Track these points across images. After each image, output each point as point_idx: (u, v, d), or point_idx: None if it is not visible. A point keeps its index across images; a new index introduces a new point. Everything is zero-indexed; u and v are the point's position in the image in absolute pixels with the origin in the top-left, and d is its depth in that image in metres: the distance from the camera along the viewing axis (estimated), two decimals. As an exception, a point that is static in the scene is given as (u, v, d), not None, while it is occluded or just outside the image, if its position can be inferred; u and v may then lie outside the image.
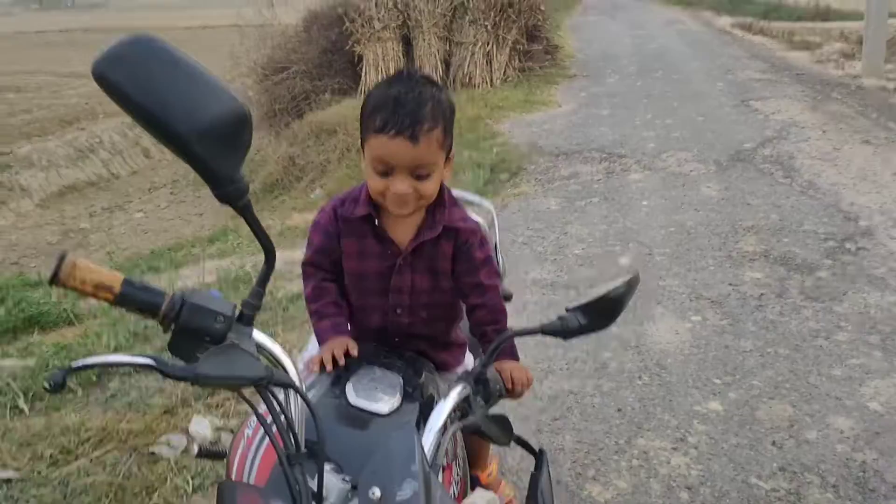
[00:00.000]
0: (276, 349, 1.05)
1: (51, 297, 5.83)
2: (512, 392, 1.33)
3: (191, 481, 2.53)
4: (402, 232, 1.41)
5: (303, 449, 1.01)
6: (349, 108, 9.33)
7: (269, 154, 8.98)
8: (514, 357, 1.40)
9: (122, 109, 0.83)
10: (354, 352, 1.33)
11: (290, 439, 1.00)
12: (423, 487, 0.90)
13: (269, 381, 0.93)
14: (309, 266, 1.49)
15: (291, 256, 5.38)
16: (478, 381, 1.20)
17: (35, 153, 12.07)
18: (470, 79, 10.89)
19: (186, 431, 2.81)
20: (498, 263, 2.17)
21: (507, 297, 2.33)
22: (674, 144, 7.10)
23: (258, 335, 1.01)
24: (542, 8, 12.12)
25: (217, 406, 3.00)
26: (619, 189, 5.84)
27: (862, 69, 10.68)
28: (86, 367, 0.92)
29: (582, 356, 3.36)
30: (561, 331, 1.20)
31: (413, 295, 1.45)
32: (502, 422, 1.18)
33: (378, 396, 1.23)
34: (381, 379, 1.27)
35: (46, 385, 0.86)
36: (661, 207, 5.32)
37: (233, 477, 1.18)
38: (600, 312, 1.21)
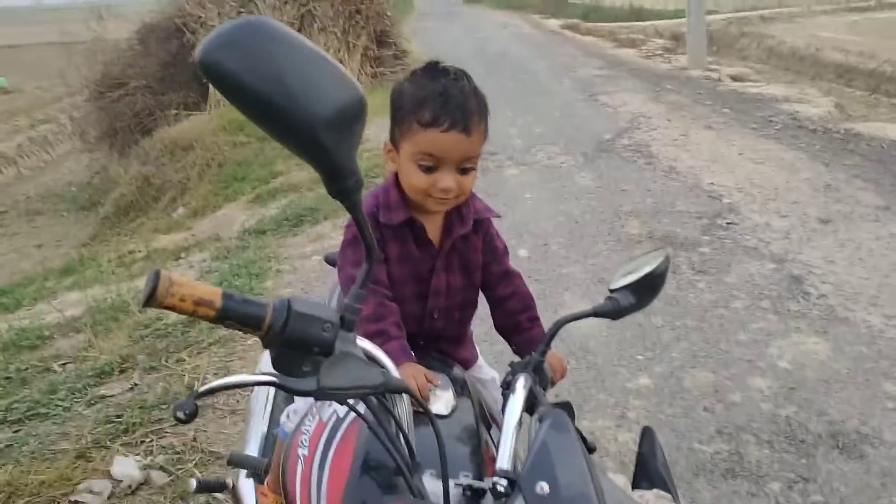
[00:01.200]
0: (380, 354, 0.98)
1: None
2: (553, 381, 1.31)
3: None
4: (434, 230, 1.37)
5: (416, 458, 0.93)
6: (203, 123, 8.94)
7: (119, 174, 8.37)
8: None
9: (231, 102, 0.73)
10: (436, 382, 1.22)
11: (404, 448, 0.92)
12: (591, 478, 0.85)
13: (387, 387, 0.87)
14: (374, 282, 1.34)
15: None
16: (536, 370, 1.16)
17: None
18: (324, 87, 10.73)
19: (109, 475, 2.54)
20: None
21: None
22: (539, 139, 7.35)
23: (360, 340, 0.92)
24: (389, 14, 12.19)
25: (136, 443, 2.74)
26: (499, 184, 5.97)
27: (687, 62, 11.62)
28: (213, 391, 0.83)
29: (507, 349, 3.37)
30: (613, 311, 1.19)
31: (449, 296, 1.40)
32: (569, 409, 1.15)
33: (434, 397, 1.18)
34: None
35: (181, 415, 0.74)
36: (544, 199, 5.49)
37: (297, 503, 1.07)
38: (647, 289, 1.21)
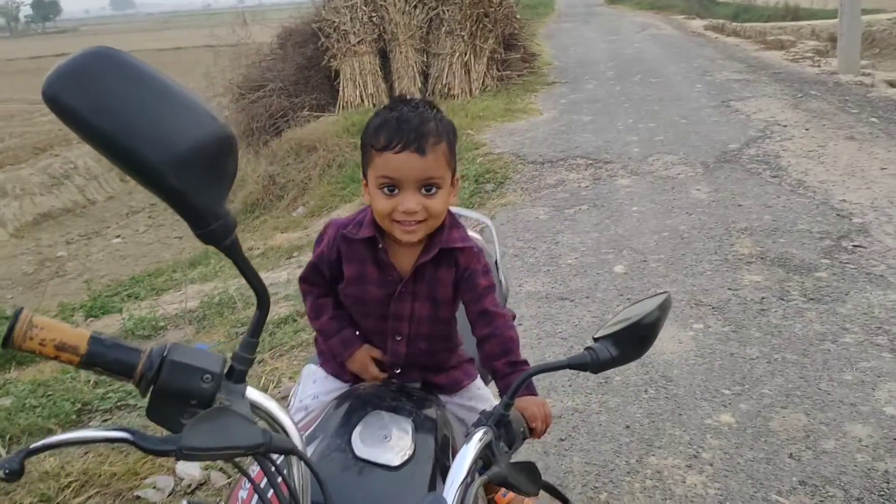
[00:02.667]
0: (274, 407, 0.90)
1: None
2: (534, 431, 1.20)
3: (180, 527, 2.38)
4: (405, 258, 1.35)
5: None
6: (328, 124, 9.23)
7: (248, 173, 8.82)
8: (533, 392, 1.28)
9: (80, 137, 0.69)
10: (377, 354, 1.38)
11: None
12: None
13: (268, 448, 0.79)
14: (303, 282, 1.45)
15: (277, 278, 5.24)
16: (499, 423, 1.07)
17: (8, 182, 11.82)
18: (449, 90, 10.81)
19: (173, 472, 2.65)
20: (501, 283, 2.06)
21: (511, 317, 2.22)
22: (658, 148, 7.03)
23: (252, 393, 0.86)
24: (518, 16, 12.09)
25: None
26: (607, 195, 5.75)
27: (838, 66, 10.73)
28: (47, 447, 0.77)
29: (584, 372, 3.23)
30: (590, 364, 1.07)
31: (413, 323, 1.39)
32: (530, 469, 1.06)
33: (388, 446, 1.10)
34: (390, 425, 1.14)
35: (1, 474, 0.72)
36: (651, 212, 5.23)
37: None
38: (633, 341, 1.08)
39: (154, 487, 2.57)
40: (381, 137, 1.23)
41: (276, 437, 0.80)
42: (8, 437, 3.04)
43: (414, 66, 10.76)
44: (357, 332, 1.43)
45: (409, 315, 1.37)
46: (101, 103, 0.67)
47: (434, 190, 1.25)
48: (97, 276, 8.84)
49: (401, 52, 10.75)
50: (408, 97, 1.34)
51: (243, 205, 8.68)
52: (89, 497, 2.57)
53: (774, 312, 3.60)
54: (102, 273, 9.14)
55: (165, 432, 0.80)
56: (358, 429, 1.12)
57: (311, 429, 1.16)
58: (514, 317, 2.22)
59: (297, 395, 1.53)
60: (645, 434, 2.77)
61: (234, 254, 0.78)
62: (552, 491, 1.21)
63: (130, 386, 3.54)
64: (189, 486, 2.59)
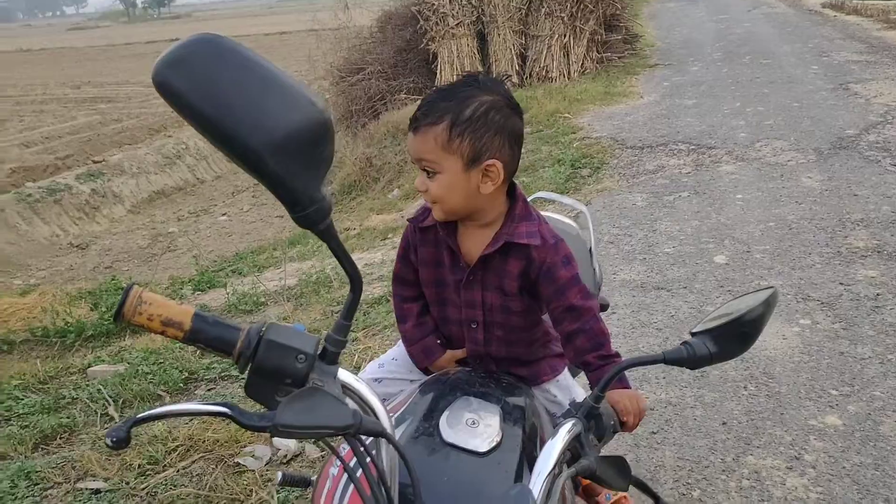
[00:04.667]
0: (365, 390, 0.92)
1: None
2: (625, 425, 1.17)
3: (276, 495, 2.47)
4: (474, 245, 1.33)
5: (395, 502, 0.89)
6: (425, 107, 9.27)
7: (346, 155, 8.99)
8: (626, 384, 1.24)
9: (185, 121, 0.71)
10: (461, 354, 1.41)
11: (381, 492, 0.87)
12: None
13: (358, 429, 0.80)
14: (395, 279, 1.48)
15: (371, 259, 5.33)
16: (589, 416, 1.04)
17: (126, 161, 12.51)
18: (547, 72, 10.66)
19: (271, 443, 2.75)
20: (594, 271, 2.02)
21: (604, 307, 2.18)
22: (767, 133, 6.70)
23: (344, 374, 0.88)
24: (622, -4, 11.77)
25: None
26: (709, 182, 5.54)
27: (973, 45, 9.91)
28: (152, 417, 0.81)
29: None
30: (687, 359, 1.02)
31: (486, 311, 1.37)
32: (619, 463, 1.03)
33: (475, 432, 1.09)
34: (478, 410, 1.13)
35: (109, 442, 0.76)
36: (757, 201, 5.00)
37: None
38: (733, 337, 1.03)
39: (253, 456, 2.68)
40: None
41: (366, 420, 0.81)
42: (121, 401, 3.25)
43: (512, 48, 10.66)
44: (439, 341, 1.44)
45: (480, 302, 1.36)
46: (204, 89, 0.69)
47: (432, 173, 1.23)
48: (205, 252, 9.25)
49: (499, 35, 10.67)
50: (471, 75, 1.30)
51: (340, 186, 8.87)
52: (193, 461, 2.70)
53: (891, 310, 3.38)
54: (209, 249, 9.56)
55: (262, 408, 0.83)
56: (446, 413, 1.12)
57: (401, 411, 1.17)
58: (607, 306, 2.18)
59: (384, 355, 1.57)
60: (743, 432, 2.67)
61: (329, 237, 0.79)
62: (642, 487, 1.18)
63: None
64: (285, 456, 2.68)
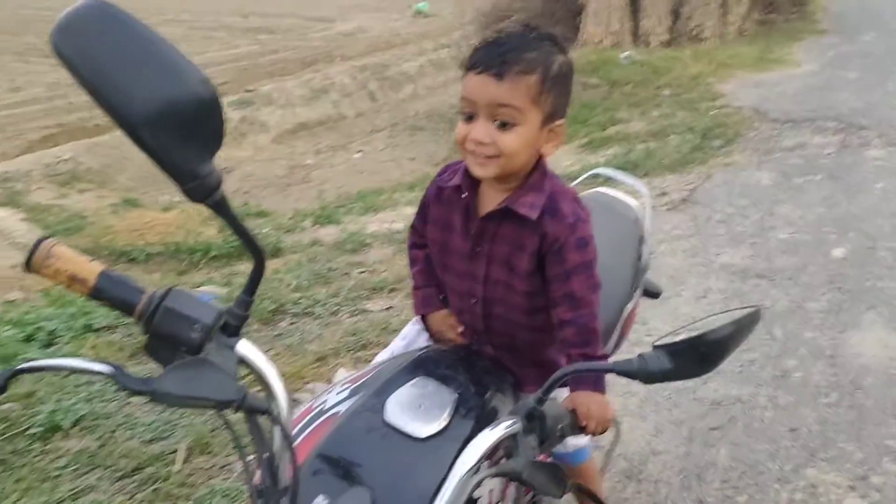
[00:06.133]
0: (263, 365, 0.91)
1: (262, 229, 6.36)
2: (585, 430, 1.13)
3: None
4: (490, 207, 1.26)
5: (283, 483, 0.90)
6: (563, 61, 9.04)
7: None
8: (598, 388, 1.19)
9: (79, 86, 0.72)
10: (453, 322, 1.41)
11: (265, 469, 0.89)
12: None
13: (240, 405, 0.81)
14: (412, 228, 1.49)
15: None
16: (530, 417, 1.01)
17: (275, 92, 13.08)
18: (699, 32, 10.04)
19: (329, 381, 2.88)
20: (640, 256, 1.94)
21: (653, 294, 2.09)
22: (933, 117, 6.04)
23: (246, 348, 0.89)
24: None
25: (364, 360, 3.04)
26: (850, 167, 5.09)
27: None
28: (33, 369, 0.83)
29: (761, 359, 2.97)
30: (638, 373, 0.97)
31: (488, 286, 1.32)
32: (553, 471, 0.98)
33: (420, 416, 1.07)
34: (432, 395, 1.11)
35: None
36: (899, 192, 4.55)
37: None
38: (692, 357, 0.96)
39: (312, 393, 2.83)
40: (472, 56, 1.18)
41: (251, 396, 0.82)
42: (214, 322, 3.48)
43: (664, 4, 10.10)
44: (441, 296, 1.42)
45: (483, 276, 1.31)
46: (87, 57, 0.69)
47: (509, 125, 1.15)
48: (335, 186, 9.60)
49: (654, -12, 10.14)
50: (529, 25, 1.22)
51: (464, 133, 8.87)
52: (259, 391, 2.88)
53: None
54: (340, 184, 9.90)
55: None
56: (397, 392, 1.11)
57: (360, 382, 1.18)
58: (657, 294, 2.09)
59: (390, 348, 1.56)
60: (811, 442, 2.50)
61: (222, 212, 0.79)
62: (591, 496, 1.13)
63: (322, 294, 3.85)
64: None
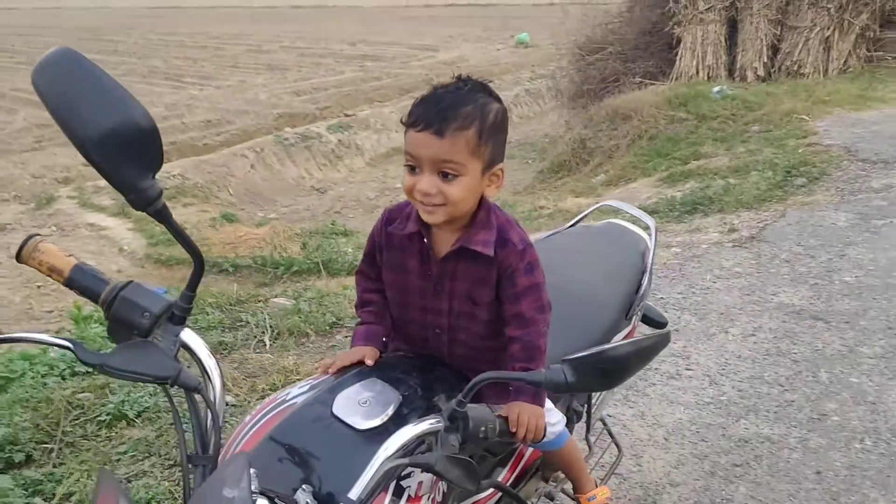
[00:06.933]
0: (202, 351, 1.10)
1: (345, 248, 6.66)
2: (515, 435, 1.23)
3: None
4: (444, 248, 1.35)
5: (209, 452, 1.08)
6: (650, 94, 9.03)
7: (562, 134, 9.05)
8: (536, 401, 1.29)
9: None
10: (370, 361, 1.34)
11: (197, 440, 1.07)
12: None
13: (174, 381, 0.98)
14: (358, 274, 1.52)
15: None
16: (453, 417, 1.11)
17: (372, 117, 13.61)
18: (798, 67, 9.78)
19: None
20: (640, 286, 2.01)
21: (660, 324, 2.16)
22: None
23: (189, 336, 1.07)
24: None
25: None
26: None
27: None
28: (5, 340, 1.04)
29: (800, 400, 2.94)
30: (544, 383, 1.08)
31: (452, 318, 1.40)
32: (466, 466, 1.08)
33: (363, 411, 1.20)
34: (379, 394, 1.24)
35: None
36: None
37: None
38: (593, 371, 1.06)
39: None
40: (411, 114, 1.25)
41: (185, 374, 1.00)
42: (276, 332, 3.74)
43: (763, 38, 9.90)
44: (384, 339, 1.45)
45: (447, 310, 1.39)
46: (55, 90, 0.90)
47: (451, 175, 1.23)
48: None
49: (751, 23, 9.96)
50: (464, 78, 1.30)
51: (550, 165, 8.98)
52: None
53: None
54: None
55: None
56: (347, 390, 1.24)
57: (319, 381, 1.32)
58: (664, 324, 2.16)
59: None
60: (835, 486, 2.47)
61: (162, 219, 0.97)
62: (509, 493, 1.23)
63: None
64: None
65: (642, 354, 1.08)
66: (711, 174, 6.45)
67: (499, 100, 1.31)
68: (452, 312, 1.39)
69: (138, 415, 2.88)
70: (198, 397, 1.07)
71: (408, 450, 1.11)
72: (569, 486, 2.06)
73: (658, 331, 1.09)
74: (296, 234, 7.35)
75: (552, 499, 1.99)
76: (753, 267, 4.26)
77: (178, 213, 8.23)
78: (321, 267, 6.00)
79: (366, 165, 12.56)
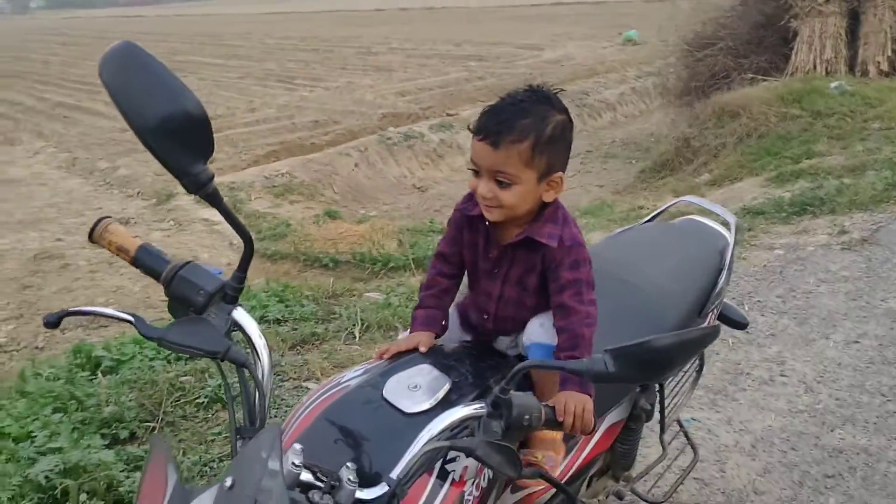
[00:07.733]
0: (252, 329, 1.16)
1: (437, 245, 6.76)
2: (562, 425, 1.23)
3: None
4: (506, 237, 1.41)
5: (255, 425, 1.14)
6: (761, 90, 8.65)
7: (666, 134, 8.80)
8: (583, 390, 1.30)
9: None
10: (423, 349, 1.39)
11: (246, 413, 1.14)
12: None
13: (224, 356, 1.05)
14: (435, 256, 1.57)
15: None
16: (496, 404, 1.13)
17: (473, 116, 13.65)
18: (925, 63, 9.11)
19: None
20: (716, 284, 1.96)
21: (740, 325, 2.09)
22: None
23: (241, 315, 1.14)
24: None
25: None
26: None
27: None
28: (78, 313, 1.11)
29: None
30: (585, 372, 1.08)
31: (500, 305, 1.46)
32: (508, 454, 1.09)
33: (412, 395, 1.23)
34: (427, 378, 1.28)
35: (43, 321, 1.09)
36: None
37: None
38: (635, 362, 1.06)
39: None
40: (477, 122, 1.33)
41: (234, 350, 1.06)
42: (365, 325, 3.84)
43: (888, 31, 9.27)
44: (444, 322, 1.50)
45: (497, 295, 1.45)
46: (115, 82, 0.98)
47: (506, 184, 1.29)
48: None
49: (875, 15, 9.35)
50: (534, 87, 1.36)
51: (654, 164, 8.75)
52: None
53: None
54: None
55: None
56: (399, 374, 1.28)
57: (373, 365, 1.37)
58: (744, 325, 2.09)
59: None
60: (935, 502, 2.32)
61: (214, 202, 1.04)
62: (555, 485, 1.23)
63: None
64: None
65: (687, 347, 1.07)
66: (824, 174, 6.12)
67: (563, 111, 1.34)
68: (502, 299, 1.46)
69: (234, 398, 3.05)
70: (247, 374, 1.14)
71: (451, 434, 1.15)
72: (640, 485, 2.04)
73: (709, 326, 1.06)
74: (394, 231, 7.52)
75: (621, 497, 1.98)
76: (863, 271, 4.02)
77: (285, 210, 8.58)
78: (413, 263, 6.11)
79: (466, 164, 12.63)
